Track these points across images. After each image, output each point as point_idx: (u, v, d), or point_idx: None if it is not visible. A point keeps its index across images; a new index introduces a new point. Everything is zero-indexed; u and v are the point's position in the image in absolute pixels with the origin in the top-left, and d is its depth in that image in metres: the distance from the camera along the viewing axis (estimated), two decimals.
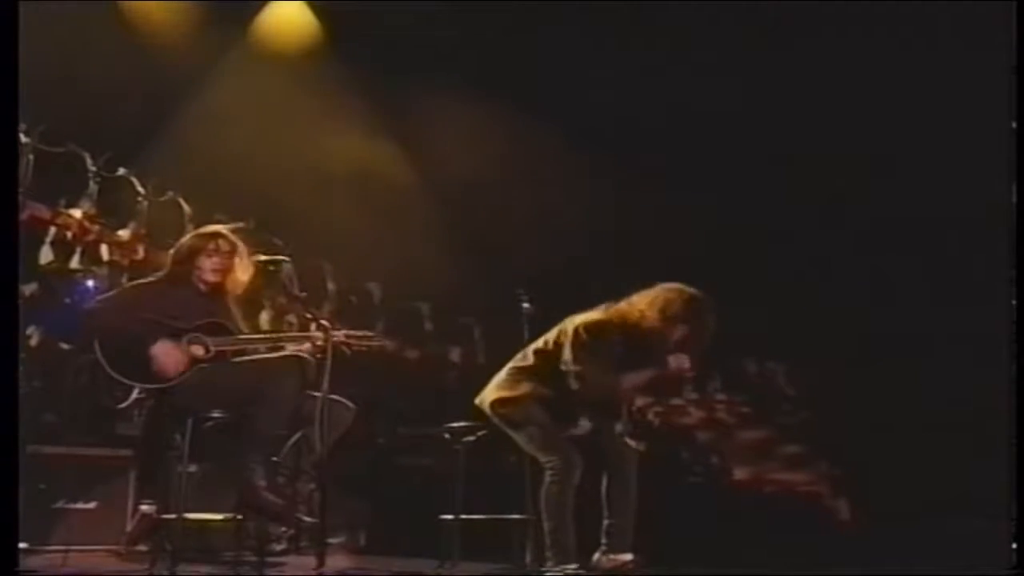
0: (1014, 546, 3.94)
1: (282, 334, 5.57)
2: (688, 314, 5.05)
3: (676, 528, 5.76)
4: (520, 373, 5.23)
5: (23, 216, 5.39)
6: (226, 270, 5.06)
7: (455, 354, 7.95)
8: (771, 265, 7.63)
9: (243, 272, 5.09)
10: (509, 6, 7.77)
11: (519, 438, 5.15)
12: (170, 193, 6.48)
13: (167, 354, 4.80)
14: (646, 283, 5.18)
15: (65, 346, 5.92)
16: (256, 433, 4.80)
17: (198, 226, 5.53)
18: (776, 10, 7.49)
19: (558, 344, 5.18)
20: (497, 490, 5.64)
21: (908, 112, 7.33)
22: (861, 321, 7.52)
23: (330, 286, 7.39)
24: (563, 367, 5.08)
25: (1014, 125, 4.11)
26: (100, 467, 5.60)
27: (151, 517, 5.34)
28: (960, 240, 7.26)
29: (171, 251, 5.18)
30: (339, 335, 4.90)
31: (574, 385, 5.06)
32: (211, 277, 5.04)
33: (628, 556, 5.03)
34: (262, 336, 5.39)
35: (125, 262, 6.16)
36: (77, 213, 5.97)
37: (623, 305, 5.17)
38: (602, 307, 5.20)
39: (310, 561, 4.74)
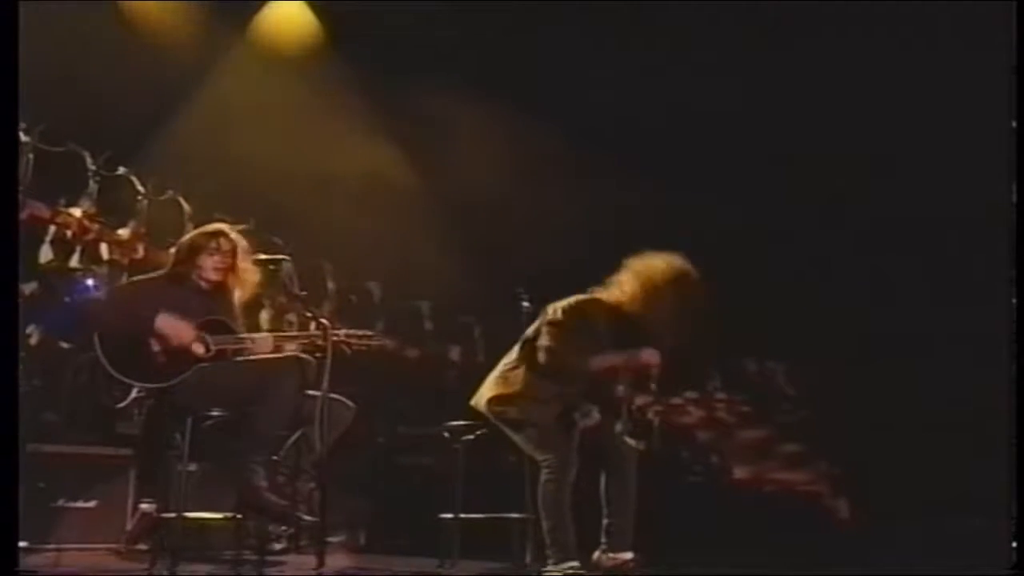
0: (1014, 546, 3.94)
1: (282, 333, 5.56)
2: (672, 281, 5.07)
3: (676, 527, 5.77)
4: (512, 370, 5.23)
5: (23, 215, 5.36)
6: (227, 269, 5.06)
7: (455, 353, 7.94)
8: (771, 265, 7.62)
9: (244, 271, 5.09)
10: (509, 6, 7.77)
11: (516, 436, 5.15)
12: (170, 192, 6.47)
13: (174, 327, 4.80)
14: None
15: (65, 345, 5.92)
16: (256, 432, 4.80)
17: (198, 225, 5.53)
18: (776, 10, 7.49)
19: (538, 331, 5.20)
20: (497, 489, 5.64)
21: (908, 112, 7.33)
22: (861, 321, 7.52)
23: (330, 285, 7.39)
24: (536, 344, 5.10)
25: (1014, 125, 4.11)
26: (100, 466, 5.59)
27: (151, 516, 5.35)
28: (960, 240, 7.26)
29: (172, 249, 5.18)
30: (339, 334, 4.90)
31: (541, 359, 5.06)
32: (212, 275, 5.04)
33: (628, 555, 5.04)
34: (262, 335, 5.38)
35: (125, 261, 6.14)
36: (77, 212, 5.96)
37: (606, 287, 5.20)
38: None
39: (310, 560, 4.74)
